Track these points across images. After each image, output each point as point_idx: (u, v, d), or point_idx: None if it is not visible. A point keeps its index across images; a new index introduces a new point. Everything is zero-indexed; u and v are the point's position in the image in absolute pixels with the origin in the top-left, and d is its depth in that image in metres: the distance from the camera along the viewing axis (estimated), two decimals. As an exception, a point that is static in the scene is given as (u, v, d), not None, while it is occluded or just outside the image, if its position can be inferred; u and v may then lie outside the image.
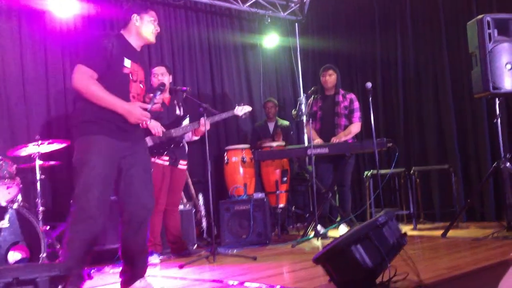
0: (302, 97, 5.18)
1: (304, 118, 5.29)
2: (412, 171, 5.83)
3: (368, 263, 2.58)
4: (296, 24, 7.69)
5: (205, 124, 4.56)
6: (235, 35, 7.27)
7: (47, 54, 5.53)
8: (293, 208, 6.42)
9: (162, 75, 4.81)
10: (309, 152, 5.14)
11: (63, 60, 5.58)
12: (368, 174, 5.97)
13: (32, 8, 5.42)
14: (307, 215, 6.15)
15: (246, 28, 7.43)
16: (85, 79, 2.92)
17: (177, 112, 4.94)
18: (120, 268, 3.21)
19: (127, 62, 3.04)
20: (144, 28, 3.15)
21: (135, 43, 3.17)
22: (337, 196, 5.65)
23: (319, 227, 5.07)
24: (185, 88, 4.99)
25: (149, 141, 4.67)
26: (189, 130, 4.84)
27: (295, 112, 5.18)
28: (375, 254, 2.62)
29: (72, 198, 2.96)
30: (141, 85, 3.16)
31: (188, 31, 6.75)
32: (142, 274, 3.14)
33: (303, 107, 5.19)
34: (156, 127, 4.60)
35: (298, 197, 6.75)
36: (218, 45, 7.06)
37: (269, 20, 7.28)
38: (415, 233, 5.18)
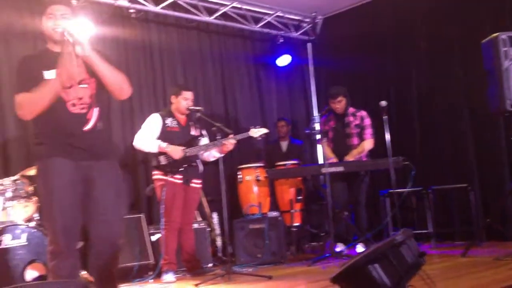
0: (315, 116, 5.19)
1: (318, 136, 5.30)
2: (428, 189, 5.77)
3: (386, 283, 2.55)
4: (309, 43, 7.73)
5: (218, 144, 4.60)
6: (247, 56, 7.31)
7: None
8: (308, 227, 6.38)
9: (191, 101, 4.93)
10: (323, 170, 5.13)
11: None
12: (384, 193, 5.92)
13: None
14: (323, 234, 6.10)
15: (258, 48, 7.47)
16: (22, 100, 2.72)
17: (192, 132, 4.98)
18: None
19: (48, 74, 2.74)
20: (45, 28, 2.81)
21: (53, 46, 2.83)
22: (353, 215, 5.61)
23: (339, 246, 5.03)
24: (198, 108, 5.03)
25: (163, 160, 4.72)
26: (208, 149, 4.87)
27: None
28: (393, 273, 2.58)
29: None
30: (81, 85, 2.79)
31: (201, 52, 6.80)
32: None
33: (316, 125, 5.21)
34: (175, 152, 4.64)
35: (313, 216, 6.70)
36: (231, 65, 7.10)
37: (281, 40, 7.33)
38: (433, 252, 5.11)
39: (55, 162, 2.73)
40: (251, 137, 4.90)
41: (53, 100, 2.70)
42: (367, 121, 5.66)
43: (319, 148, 7.14)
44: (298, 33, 7.62)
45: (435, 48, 6.42)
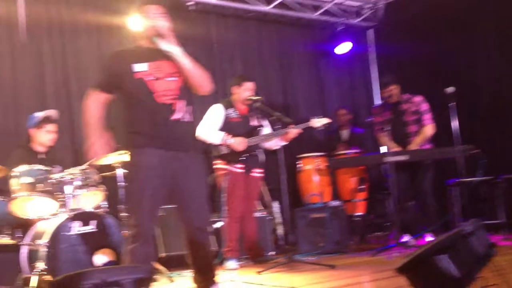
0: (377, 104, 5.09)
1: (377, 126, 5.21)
2: (499, 178, 5.51)
3: (454, 274, 2.46)
4: (370, 30, 7.57)
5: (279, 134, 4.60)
6: (306, 44, 7.25)
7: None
8: (372, 217, 6.27)
9: (253, 91, 4.95)
10: (386, 159, 5.02)
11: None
12: (453, 183, 5.72)
13: (110, 25, 5.65)
14: (387, 224, 5.99)
15: (317, 37, 7.39)
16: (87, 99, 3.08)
17: (253, 122, 5.00)
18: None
19: (138, 67, 2.97)
20: (140, 25, 3.08)
21: (146, 42, 3.06)
22: (419, 205, 5.45)
23: (404, 236, 4.92)
24: (258, 98, 5.03)
25: (224, 149, 4.76)
26: (269, 139, 4.88)
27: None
28: (462, 264, 2.49)
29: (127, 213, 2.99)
30: (170, 78, 3.00)
31: (259, 42, 6.82)
32: (213, 280, 3.10)
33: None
34: (239, 144, 4.69)
35: (378, 205, 6.58)
36: (289, 54, 7.09)
37: (341, 28, 7.20)
38: (505, 243, 4.89)
39: (146, 151, 2.92)
40: (312, 127, 4.87)
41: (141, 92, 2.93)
42: (424, 106, 5.45)
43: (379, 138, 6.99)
44: (359, 19, 7.47)
45: (505, 31, 6.11)
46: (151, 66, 2.98)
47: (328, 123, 4.91)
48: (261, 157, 5.04)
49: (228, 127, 4.83)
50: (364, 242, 5.96)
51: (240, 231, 4.88)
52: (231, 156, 4.79)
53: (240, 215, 4.83)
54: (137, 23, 3.08)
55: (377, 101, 7.33)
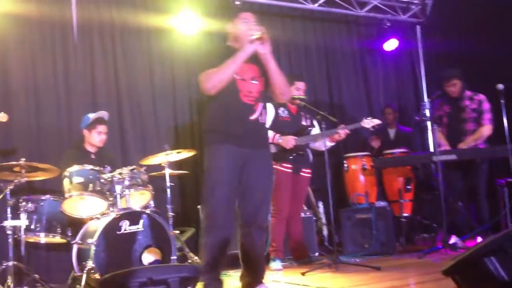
0: (426, 102, 4.98)
1: (429, 124, 5.08)
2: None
3: (503, 276, 2.39)
4: (418, 26, 7.42)
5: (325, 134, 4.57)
6: (352, 41, 7.19)
7: (173, 68, 5.89)
8: (419, 218, 6.15)
9: (303, 91, 5.00)
10: (435, 158, 4.91)
11: (187, 73, 5.89)
12: (503, 182, 5.53)
13: (160, 27, 5.78)
14: (435, 225, 5.86)
15: (364, 34, 7.32)
16: (206, 76, 3.12)
17: (303, 122, 5.01)
18: (240, 272, 3.25)
19: None
20: (239, 31, 3.25)
21: (239, 46, 3.21)
22: (471, 205, 5.31)
23: (452, 237, 4.81)
24: (302, 97, 5.03)
25: (272, 148, 4.77)
26: (317, 139, 4.89)
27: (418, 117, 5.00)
28: (510, 268, 2.42)
29: (202, 205, 3.11)
30: (253, 81, 3.20)
31: (304, 40, 6.81)
32: (261, 279, 3.16)
33: (426, 112, 5.00)
34: (287, 142, 4.70)
35: (425, 206, 6.44)
36: (335, 52, 7.04)
37: (388, 24, 7.09)
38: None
39: (224, 148, 3.10)
40: (363, 128, 4.85)
41: (231, 79, 3.10)
42: (486, 106, 5.30)
43: (430, 135, 6.84)
44: (406, 15, 7.34)
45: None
46: (241, 67, 3.14)
47: (379, 124, 4.86)
48: (310, 157, 5.04)
49: (278, 126, 4.85)
50: (411, 244, 5.86)
51: (286, 231, 4.89)
52: (280, 155, 4.80)
53: (286, 215, 4.84)
54: (232, 26, 3.31)
55: (426, 99, 7.17)
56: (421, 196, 6.23)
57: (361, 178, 5.69)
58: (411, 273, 3.96)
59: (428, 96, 7.12)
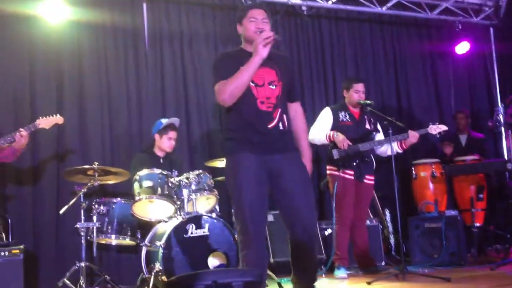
0: (500, 107, 4.78)
1: (503, 129, 4.86)
2: None
3: None
4: (491, 28, 7.14)
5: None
6: (422, 45, 7.03)
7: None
8: (492, 228, 5.89)
9: (363, 93, 4.88)
10: (509, 166, 4.69)
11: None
12: None
13: (227, 34, 5.83)
14: (509, 235, 5.58)
15: (434, 37, 7.13)
16: (222, 87, 2.94)
17: (367, 126, 4.91)
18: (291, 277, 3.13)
19: None
20: (247, 32, 3.05)
21: (249, 46, 3.01)
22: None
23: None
24: (369, 102, 4.93)
25: (335, 154, 4.71)
26: (381, 145, 4.81)
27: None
28: None
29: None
30: (271, 86, 3.01)
31: (372, 44, 6.72)
32: (312, 286, 3.02)
33: (500, 117, 4.79)
34: (342, 142, 4.63)
35: (499, 215, 6.17)
36: (403, 55, 6.90)
37: (460, 27, 6.86)
38: None
39: (242, 157, 2.94)
40: (430, 134, 4.72)
41: (247, 86, 2.91)
42: None
43: (504, 141, 6.54)
44: (479, 17, 7.08)
45: None
46: (256, 72, 2.94)
47: (446, 131, 4.70)
48: (374, 163, 4.93)
49: (339, 130, 4.75)
50: (483, 255, 5.64)
51: (350, 239, 4.82)
52: (343, 162, 4.73)
53: (350, 223, 4.76)
54: (241, 27, 3.09)
55: (500, 103, 6.86)
56: (494, 205, 5.98)
57: (431, 185, 5.55)
58: (483, 285, 3.81)
59: (502, 101, 6.81)
